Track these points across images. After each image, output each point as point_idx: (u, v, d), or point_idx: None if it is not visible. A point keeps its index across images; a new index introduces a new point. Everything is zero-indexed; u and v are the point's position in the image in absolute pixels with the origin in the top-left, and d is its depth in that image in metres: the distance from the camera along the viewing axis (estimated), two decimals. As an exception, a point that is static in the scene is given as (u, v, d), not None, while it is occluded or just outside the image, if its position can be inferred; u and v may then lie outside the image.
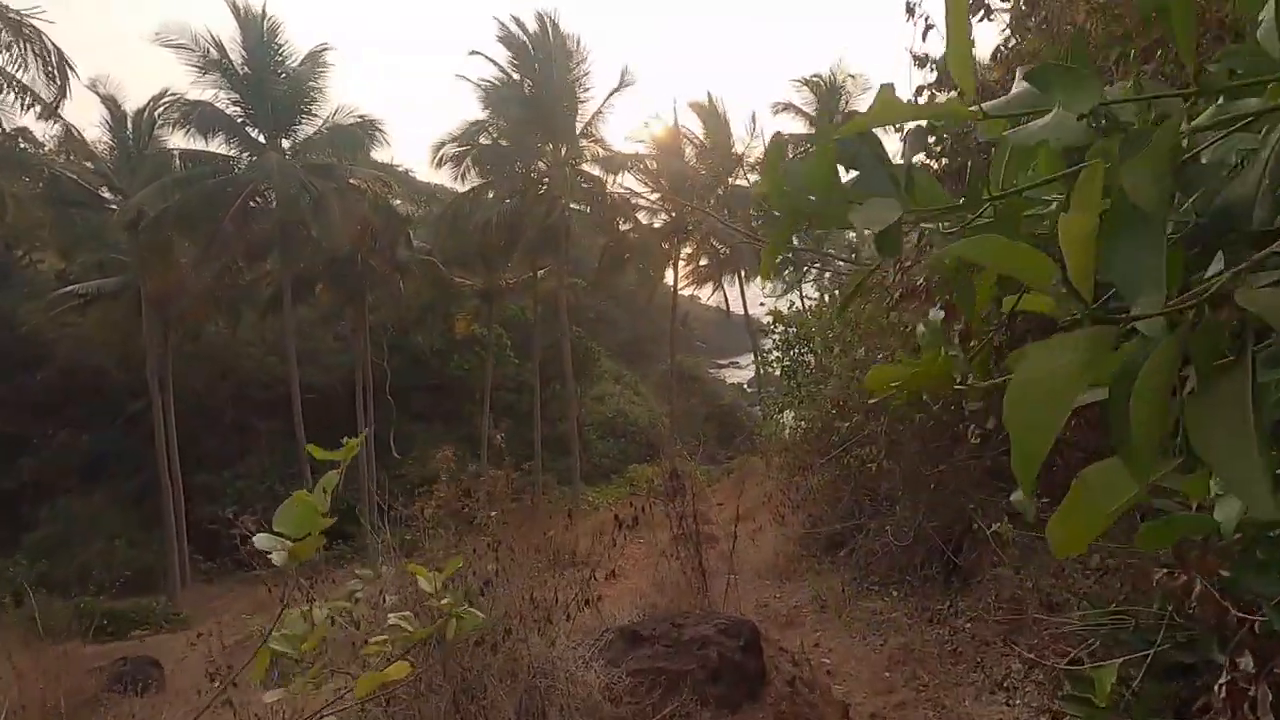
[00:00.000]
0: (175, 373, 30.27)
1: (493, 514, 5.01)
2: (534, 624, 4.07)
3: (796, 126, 27.37)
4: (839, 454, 7.60)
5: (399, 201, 26.57)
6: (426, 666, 3.63)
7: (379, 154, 26.17)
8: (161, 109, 18.99)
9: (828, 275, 10.82)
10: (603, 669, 3.88)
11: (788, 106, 26.61)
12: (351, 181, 19.73)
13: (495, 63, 21.13)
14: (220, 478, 30.42)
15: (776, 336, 11.19)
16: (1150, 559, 2.25)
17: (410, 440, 33.54)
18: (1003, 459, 5.71)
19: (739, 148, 28.60)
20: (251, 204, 18.85)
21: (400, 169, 30.76)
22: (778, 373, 11.02)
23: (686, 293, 48.15)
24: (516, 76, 21.18)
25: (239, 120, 19.05)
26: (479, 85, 20.99)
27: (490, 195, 22.35)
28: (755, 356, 32.17)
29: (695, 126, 28.75)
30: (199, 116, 18.24)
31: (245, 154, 19.07)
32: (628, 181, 25.81)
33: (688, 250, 30.47)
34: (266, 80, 18.45)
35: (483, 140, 21.90)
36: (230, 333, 25.27)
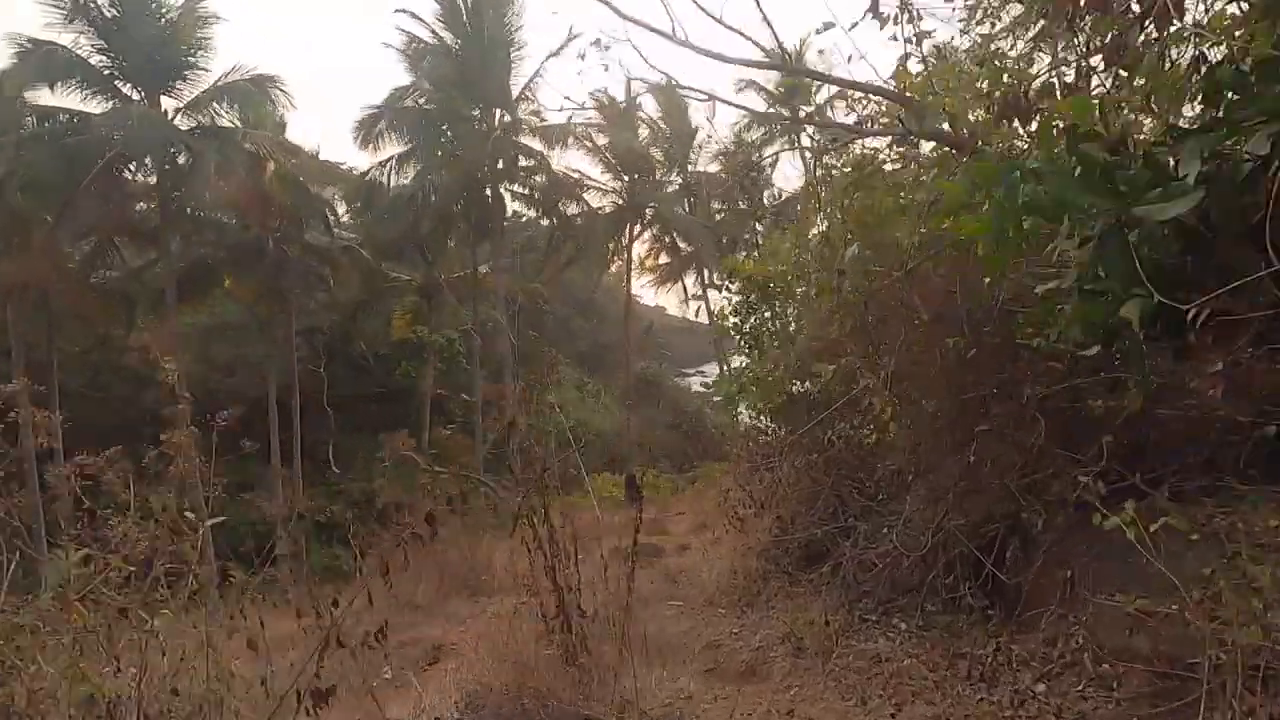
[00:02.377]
0: (80, 382, 27.01)
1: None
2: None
3: (758, 104, 25.47)
4: (815, 426, 5.31)
5: (331, 189, 23.92)
6: None
7: (305, 143, 23.36)
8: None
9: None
10: None
11: (750, 84, 24.75)
12: (247, 147, 16.90)
13: (422, 20, 18.77)
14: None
15: (733, 295, 8.91)
16: None
17: (352, 454, 30.98)
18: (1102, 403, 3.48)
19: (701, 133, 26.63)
20: (127, 172, 15.98)
21: (343, 166, 28.02)
22: (736, 340, 8.71)
23: (651, 302, 45.85)
24: (446, 35, 18.75)
25: (106, 72, 16.07)
26: (403, 47, 18.54)
27: (414, 169, 19.78)
28: (720, 365, 30.13)
29: (651, 111, 26.72)
30: (45, 62, 15.04)
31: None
32: (576, 162, 23.52)
33: (644, 244, 28.24)
34: (139, 27, 15.57)
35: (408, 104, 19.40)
36: (124, 334, 22.29)
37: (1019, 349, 4.15)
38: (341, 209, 26.88)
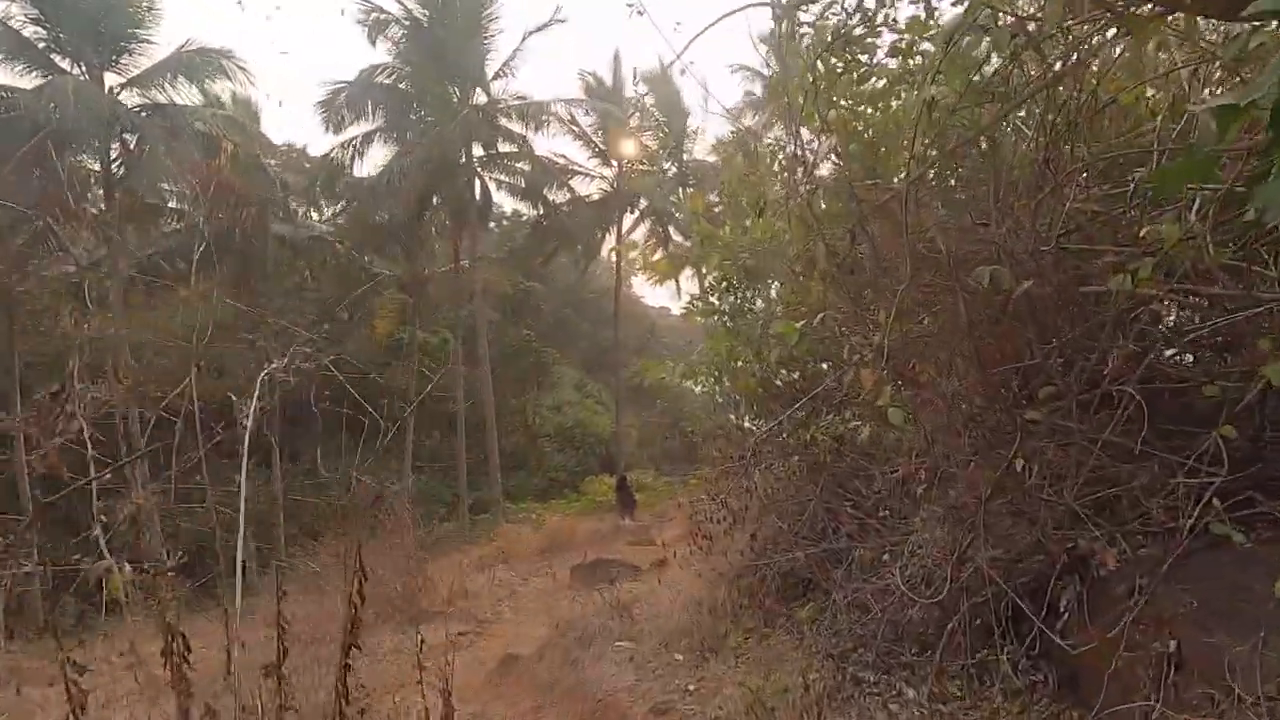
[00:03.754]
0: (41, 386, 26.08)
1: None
2: None
3: (753, 89, 24.13)
4: (793, 418, 3.98)
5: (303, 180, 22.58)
6: None
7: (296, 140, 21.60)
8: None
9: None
10: None
11: (743, 68, 23.40)
12: (199, 127, 15.62)
13: (392, -8, 17.40)
14: (104, 504, 26.31)
15: (709, 273, 7.53)
16: None
17: (340, 458, 30.13)
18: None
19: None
20: (77, 155, 14.65)
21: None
22: (715, 322, 7.31)
23: (655, 302, 44.65)
24: (414, 7, 17.35)
25: (41, 45, 14.77)
26: (364, 18, 17.11)
27: (383, 150, 18.44)
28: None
29: (644, 99, 25.30)
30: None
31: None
32: (563, 149, 22.12)
33: (642, 239, 26.67)
34: (76, -5, 14.25)
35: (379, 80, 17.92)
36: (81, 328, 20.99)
37: (1081, 301, 2.80)
38: (327, 210, 25.60)
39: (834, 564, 4.49)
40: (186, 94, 15.86)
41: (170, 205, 17.87)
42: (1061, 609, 2.89)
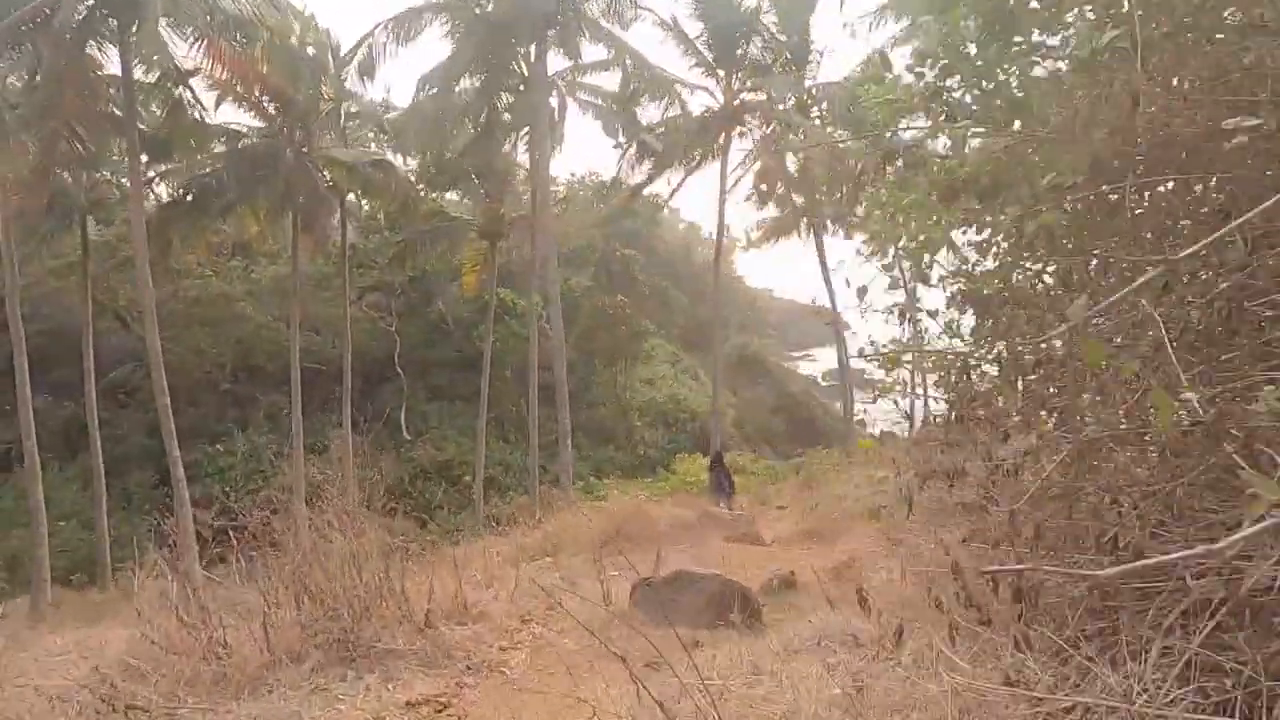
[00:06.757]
0: (165, 335, 26.19)
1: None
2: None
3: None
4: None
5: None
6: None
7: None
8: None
9: None
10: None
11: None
12: (225, 5, 12.04)
13: None
14: (204, 454, 26.04)
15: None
16: None
17: (425, 420, 28.86)
18: None
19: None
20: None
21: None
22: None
23: (758, 283, 40.28)
24: None
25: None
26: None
27: (437, 35, 15.07)
28: (837, 345, 25.18)
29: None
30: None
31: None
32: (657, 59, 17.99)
33: (754, 166, 21.84)
34: None
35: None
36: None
37: None
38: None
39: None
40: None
41: (224, 124, 15.96)
42: None
